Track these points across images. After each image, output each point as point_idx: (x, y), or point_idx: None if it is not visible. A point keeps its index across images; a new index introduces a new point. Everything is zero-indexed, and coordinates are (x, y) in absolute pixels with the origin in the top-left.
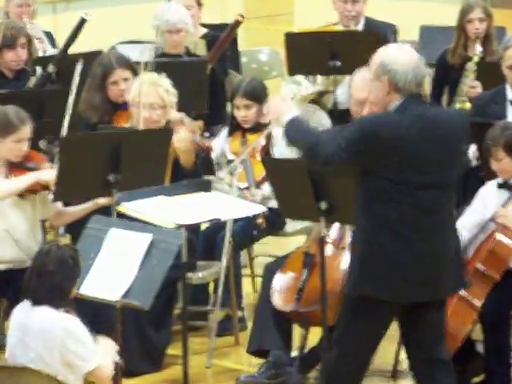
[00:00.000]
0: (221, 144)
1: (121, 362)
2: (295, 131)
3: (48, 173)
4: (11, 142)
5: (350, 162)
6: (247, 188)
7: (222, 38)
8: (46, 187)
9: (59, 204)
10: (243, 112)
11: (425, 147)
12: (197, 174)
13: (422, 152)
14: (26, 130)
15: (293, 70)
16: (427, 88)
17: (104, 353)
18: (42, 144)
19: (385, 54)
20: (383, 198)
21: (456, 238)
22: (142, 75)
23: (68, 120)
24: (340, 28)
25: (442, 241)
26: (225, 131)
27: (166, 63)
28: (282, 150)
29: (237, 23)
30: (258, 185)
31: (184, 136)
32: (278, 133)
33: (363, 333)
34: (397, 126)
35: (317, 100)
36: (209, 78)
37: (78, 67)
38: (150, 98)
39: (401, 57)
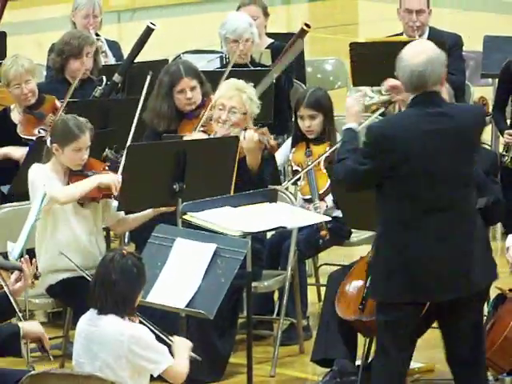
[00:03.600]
0: (284, 152)
1: (197, 357)
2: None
3: (109, 176)
4: (71, 150)
5: (367, 175)
6: (310, 200)
7: (288, 47)
8: (107, 195)
9: (122, 212)
10: (308, 122)
11: (431, 143)
12: (261, 179)
13: (428, 149)
14: (85, 139)
15: (358, 80)
16: (491, 98)
17: (178, 351)
18: (109, 153)
19: (401, 53)
20: (394, 198)
21: (480, 233)
22: (231, 79)
23: (134, 129)
24: (405, 38)
25: (459, 237)
26: (288, 141)
27: (231, 72)
28: None
29: (302, 32)
30: (322, 197)
31: (251, 135)
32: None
33: (396, 336)
34: (399, 125)
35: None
36: (274, 87)
37: (148, 78)
38: (232, 101)
39: (405, 57)
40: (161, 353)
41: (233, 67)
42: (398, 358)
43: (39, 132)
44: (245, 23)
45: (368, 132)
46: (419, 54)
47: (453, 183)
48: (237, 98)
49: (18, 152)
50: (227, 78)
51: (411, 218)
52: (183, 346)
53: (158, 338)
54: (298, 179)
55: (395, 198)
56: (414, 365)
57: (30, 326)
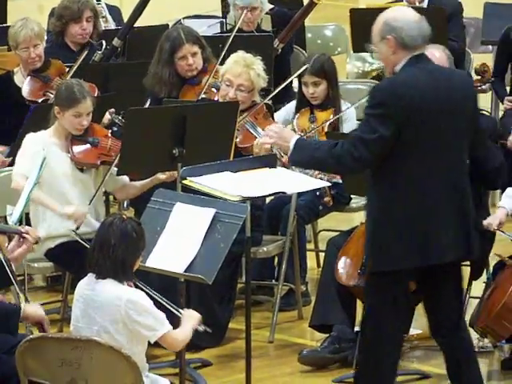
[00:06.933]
0: (283, 116)
1: (207, 329)
2: (303, 156)
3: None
4: (71, 115)
5: (378, 147)
6: None
7: (296, 18)
8: (106, 162)
9: (125, 177)
10: (312, 89)
11: (437, 99)
12: None
13: (435, 105)
14: (86, 105)
15: (357, 46)
16: (491, 64)
17: (184, 322)
18: (114, 118)
19: (387, 15)
20: (400, 160)
21: (465, 203)
22: (239, 53)
23: None
24: (404, 4)
25: (458, 200)
26: (288, 105)
27: (233, 38)
28: (353, 127)
29: (311, 4)
30: None
31: (263, 142)
32: (348, 109)
33: (388, 305)
34: (413, 83)
35: (380, 76)
36: (279, 56)
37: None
38: (240, 79)
39: (403, 14)
40: (158, 319)
41: (237, 33)
42: (390, 323)
43: (45, 95)
44: None
45: (376, 92)
46: (407, 15)
47: (456, 141)
48: (245, 75)
49: None
50: (231, 45)
51: (417, 178)
52: (191, 318)
53: (166, 310)
54: None
55: (401, 160)
56: (412, 331)
57: (32, 310)
